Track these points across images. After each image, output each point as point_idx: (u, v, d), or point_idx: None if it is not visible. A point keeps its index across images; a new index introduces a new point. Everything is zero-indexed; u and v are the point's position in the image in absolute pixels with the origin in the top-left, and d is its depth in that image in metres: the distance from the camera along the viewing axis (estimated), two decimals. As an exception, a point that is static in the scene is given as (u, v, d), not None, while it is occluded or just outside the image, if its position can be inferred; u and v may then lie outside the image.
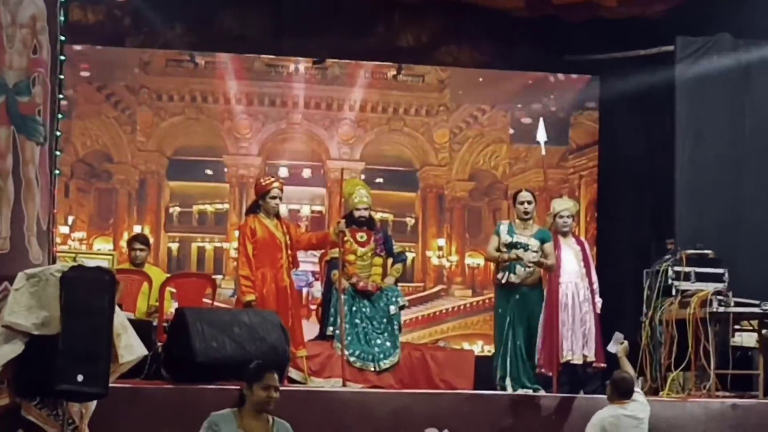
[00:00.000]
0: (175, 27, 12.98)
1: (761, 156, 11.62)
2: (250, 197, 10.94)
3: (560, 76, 13.99)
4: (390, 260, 10.39)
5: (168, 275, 10.52)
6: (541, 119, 11.55)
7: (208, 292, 10.07)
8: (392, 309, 10.09)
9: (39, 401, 6.94)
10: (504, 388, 9.59)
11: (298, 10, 12.88)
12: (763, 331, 10.08)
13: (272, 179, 10.04)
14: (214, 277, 11.28)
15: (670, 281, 10.41)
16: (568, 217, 10.05)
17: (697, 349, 9.92)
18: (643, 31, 12.68)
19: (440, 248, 13.75)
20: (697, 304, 10.02)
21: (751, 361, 10.30)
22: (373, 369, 9.86)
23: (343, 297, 9.87)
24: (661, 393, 10.05)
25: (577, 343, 9.70)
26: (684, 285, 10.38)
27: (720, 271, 10.53)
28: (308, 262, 11.51)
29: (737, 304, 10.02)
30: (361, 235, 10.17)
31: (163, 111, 13.33)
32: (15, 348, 6.69)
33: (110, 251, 12.29)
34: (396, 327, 10.13)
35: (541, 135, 10.91)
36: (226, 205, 13.40)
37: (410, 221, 13.75)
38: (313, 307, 11.60)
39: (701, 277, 10.44)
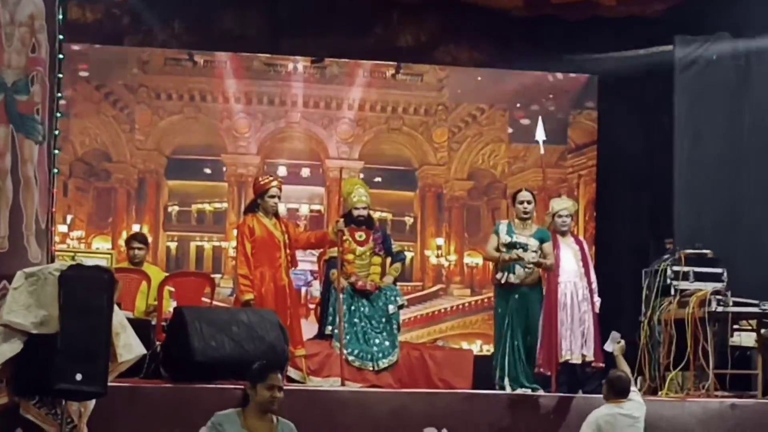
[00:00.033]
0: (174, 26, 12.98)
1: (760, 155, 11.62)
2: (248, 196, 10.94)
3: (559, 75, 13.99)
4: (389, 259, 10.39)
5: (167, 274, 10.51)
6: (539, 118, 11.58)
7: (207, 291, 10.06)
8: (391, 308, 10.08)
9: (38, 400, 6.94)
10: (503, 388, 9.58)
11: (297, 9, 12.89)
12: (762, 331, 10.07)
13: (271, 178, 10.03)
14: (212, 276, 11.29)
15: (668, 281, 10.40)
16: (566, 216, 10.05)
17: (696, 349, 9.91)
18: (642, 31, 12.69)
19: (439, 247, 13.75)
20: (696, 303, 10.01)
21: (749, 361, 10.30)
22: (371, 368, 9.85)
23: (341, 296, 9.86)
24: (659, 393, 10.04)
25: (576, 342, 9.70)
26: (683, 285, 10.37)
27: (719, 270, 10.52)
28: (307, 261, 11.52)
29: (736, 304, 10.01)
30: (360, 235, 10.16)
31: (162, 110, 13.33)
32: (14, 347, 6.69)
33: (109, 250, 12.28)
34: (395, 326, 10.13)
35: (540, 134, 10.93)
36: (225, 204, 13.41)
37: (409, 220, 13.75)
38: (312, 306, 11.61)
39: (700, 277, 10.43)
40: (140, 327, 7.90)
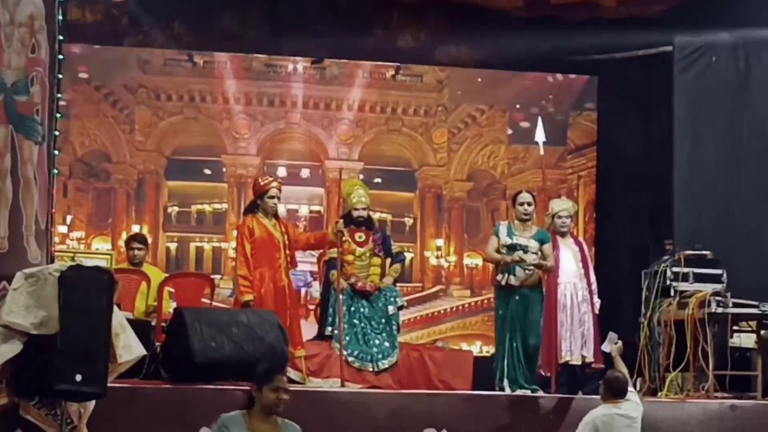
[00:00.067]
0: (174, 26, 12.98)
1: (759, 157, 11.62)
2: (248, 197, 10.94)
3: (559, 76, 13.99)
4: (388, 260, 10.38)
5: (166, 275, 10.50)
6: (539, 119, 11.56)
7: (207, 291, 10.06)
8: (391, 309, 10.08)
9: (37, 401, 6.95)
10: (503, 389, 9.58)
11: (297, 10, 12.89)
12: (762, 332, 10.08)
13: (270, 179, 10.03)
14: (212, 276, 11.29)
15: (668, 282, 10.40)
16: (566, 217, 10.05)
17: (696, 350, 9.91)
18: (642, 32, 12.68)
19: (439, 248, 13.74)
20: (696, 304, 10.01)
21: (749, 362, 10.30)
22: (371, 369, 9.85)
23: (341, 297, 9.85)
24: (659, 394, 10.04)
25: (576, 343, 9.71)
26: (682, 286, 10.37)
27: (718, 271, 10.53)
28: (306, 262, 11.51)
29: (735, 305, 10.01)
30: (360, 235, 10.16)
31: (162, 110, 13.32)
32: (13, 347, 6.69)
33: (109, 251, 12.28)
34: (394, 327, 10.12)
35: (540, 135, 10.92)
36: (225, 205, 13.40)
37: (409, 221, 13.75)
38: (312, 307, 11.59)
39: (699, 278, 10.44)
40: (140, 328, 7.90)
